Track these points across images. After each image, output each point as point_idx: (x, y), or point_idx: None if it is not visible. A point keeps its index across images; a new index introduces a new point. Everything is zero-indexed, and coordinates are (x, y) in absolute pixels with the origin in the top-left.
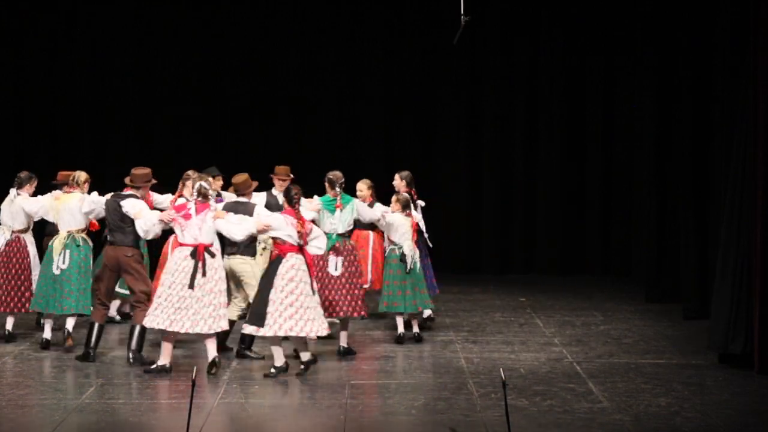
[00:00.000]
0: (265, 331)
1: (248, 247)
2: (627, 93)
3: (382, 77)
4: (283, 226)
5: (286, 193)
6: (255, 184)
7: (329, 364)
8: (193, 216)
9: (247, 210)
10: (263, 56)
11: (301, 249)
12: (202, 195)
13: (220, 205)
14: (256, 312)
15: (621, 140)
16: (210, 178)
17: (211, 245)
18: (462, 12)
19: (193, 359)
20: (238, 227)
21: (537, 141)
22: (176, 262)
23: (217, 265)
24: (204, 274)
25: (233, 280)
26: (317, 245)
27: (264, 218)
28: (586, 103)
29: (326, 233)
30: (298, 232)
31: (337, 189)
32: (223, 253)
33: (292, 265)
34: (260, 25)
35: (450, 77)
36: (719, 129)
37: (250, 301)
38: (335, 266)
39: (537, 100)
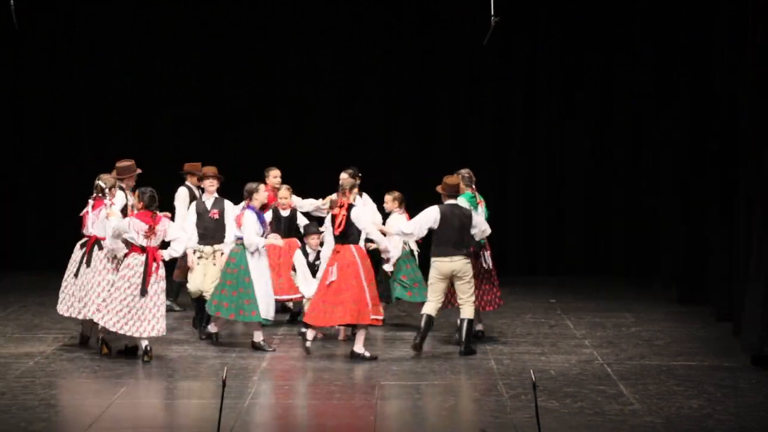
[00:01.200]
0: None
1: None
2: (653, 90)
3: (381, 77)
4: (127, 229)
5: (141, 196)
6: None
7: (359, 365)
8: (89, 211)
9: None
10: (262, 56)
11: (144, 250)
12: (100, 191)
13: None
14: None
15: (648, 138)
16: (107, 176)
17: (104, 239)
18: (492, 13)
19: (224, 359)
20: (108, 227)
21: (562, 140)
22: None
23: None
24: (88, 264)
25: None
26: (174, 248)
27: (113, 221)
28: (609, 101)
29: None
30: (145, 234)
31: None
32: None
33: (128, 264)
34: (259, 25)
35: (449, 77)
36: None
37: None
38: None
39: (565, 98)
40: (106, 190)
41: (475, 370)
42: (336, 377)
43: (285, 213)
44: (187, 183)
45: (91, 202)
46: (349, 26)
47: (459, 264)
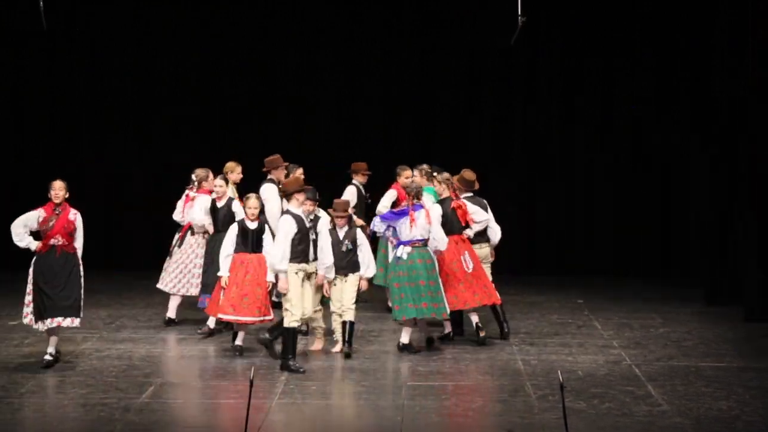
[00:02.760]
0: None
1: None
2: (684, 90)
3: (381, 77)
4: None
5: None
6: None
7: (387, 365)
8: (185, 201)
9: None
10: (262, 56)
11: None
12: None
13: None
14: None
15: (678, 137)
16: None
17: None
18: (519, 13)
19: (251, 360)
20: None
21: (592, 140)
22: None
23: None
24: (180, 246)
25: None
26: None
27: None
28: (640, 100)
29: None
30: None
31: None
32: None
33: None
34: (259, 25)
35: (449, 77)
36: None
37: None
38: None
39: (596, 97)
40: (195, 183)
41: (503, 370)
42: (363, 378)
43: (252, 225)
44: (354, 181)
45: (188, 193)
46: (348, 26)
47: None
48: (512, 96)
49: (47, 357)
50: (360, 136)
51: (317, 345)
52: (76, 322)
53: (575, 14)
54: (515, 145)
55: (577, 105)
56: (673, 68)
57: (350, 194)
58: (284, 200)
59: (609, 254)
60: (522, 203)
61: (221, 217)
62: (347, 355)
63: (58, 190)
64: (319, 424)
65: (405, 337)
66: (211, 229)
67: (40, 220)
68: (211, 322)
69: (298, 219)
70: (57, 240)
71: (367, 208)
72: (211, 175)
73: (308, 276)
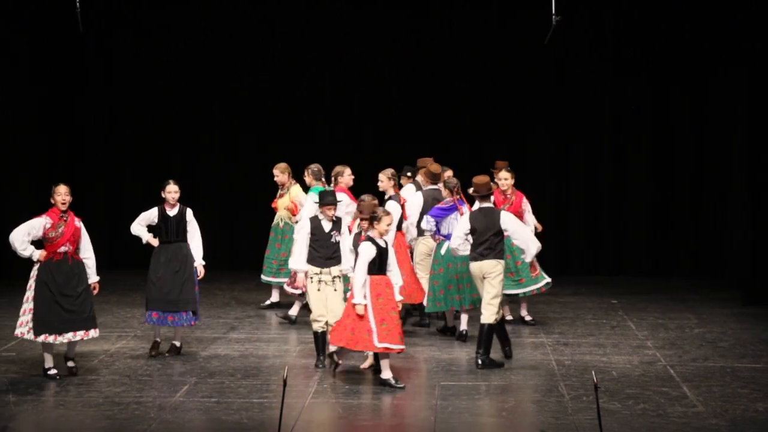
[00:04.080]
0: None
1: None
2: (719, 92)
3: (411, 78)
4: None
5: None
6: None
7: (420, 365)
8: None
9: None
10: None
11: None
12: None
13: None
14: None
15: (713, 138)
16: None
17: None
18: (554, 12)
19: (284, 359)
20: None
21: (626, 140)
22: None
23: None
24: None
25: None
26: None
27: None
28: (674, 101)
29: None
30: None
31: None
32: None
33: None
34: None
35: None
36: None
37: None
38: None
39: (626, 98)
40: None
41: (536, 370)
42: (397, 377)
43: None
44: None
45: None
46: (372, 28)
47: (488, 265)
48: (544, 94)
49: (54, 371)
50: (390, 138)
51: (367, 362)
52: (97, 332)
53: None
54: (545, 144)
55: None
56: (702, 67)
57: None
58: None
59: (644, 254)
60: (555, 203)
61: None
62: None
63: (64, 195)
64: (352, 424)
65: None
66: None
67: (47, 227)
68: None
69: (374, 243)
70: (67, 247)
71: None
72: (347, 170)
73: (333, 280)
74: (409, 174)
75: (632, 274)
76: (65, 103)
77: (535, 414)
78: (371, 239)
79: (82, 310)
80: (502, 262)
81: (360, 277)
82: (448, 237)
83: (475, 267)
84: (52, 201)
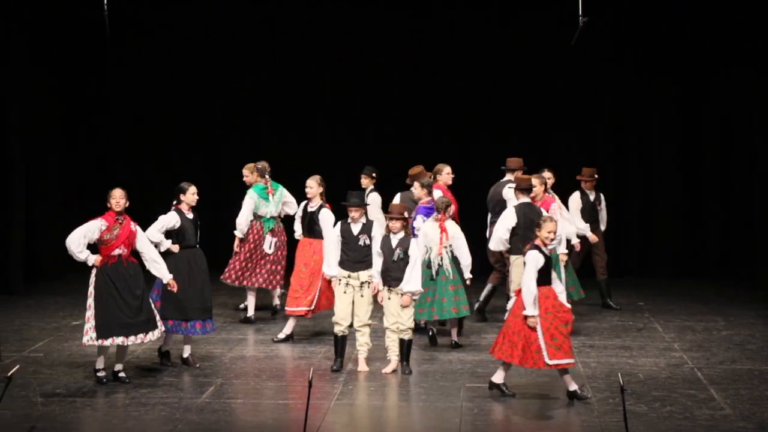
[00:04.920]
0: None
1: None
2: (745, 92)
3: (437, 79)
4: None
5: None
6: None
7: (444, 367)
8: None
9: None
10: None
11: None
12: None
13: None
14: None
15: (741, 138)
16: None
17: None
18: (581, 13)
19: (310, 360)
20: None
21: (653, 139)
22: None
23: None
24: None
25: None
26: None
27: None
28: (702, 101)
29: (261, 216)
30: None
31: (267, 177)
32: None
33: None
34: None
35: (536, 79)
36: None
37: None
38: (269, 245)
39: (653, 99)
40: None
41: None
42: (422, 379)
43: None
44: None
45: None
46: (408, 24)
47: None
48: (543, 94)
49: (103, 373)
50: (418, 138)
51: (361, 366)
52: (155, 334)
53: (697, 18)
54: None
55: (694, 102)
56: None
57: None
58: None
59: (670, 255)
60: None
61: None
62: (406, 372)
63: (119, 198)
64: (377, 425)
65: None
66: None
67: (103, 229)
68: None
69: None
70: (121, 250)
71: None
72: (447, 168)
73: (361, 285)
74: (374, 174)
75: (659, 275)
76: (65, 102)
77: (562, 416)
78: (537, 247)
79: (146, 311)
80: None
81: (531, 287)
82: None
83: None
84: (108, 204)
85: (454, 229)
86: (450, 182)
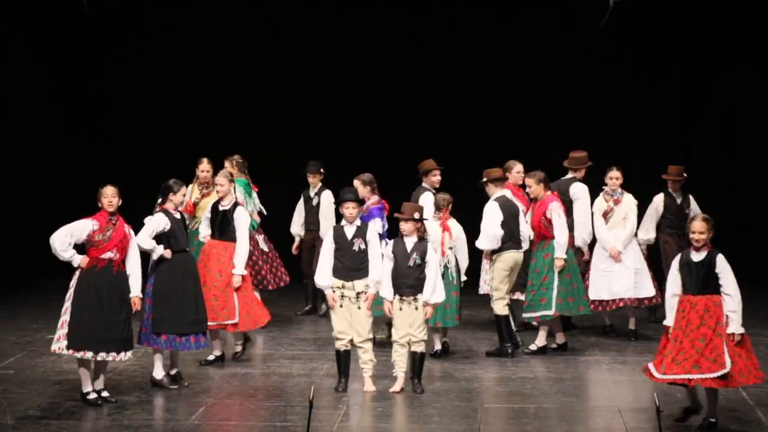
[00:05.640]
0: None
1: None
2: (745, 92)
3: (464, 63)
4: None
5: None
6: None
7: (460, 385)
8: None
9: None
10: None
11: None
12: None
13: None
14: None
15: (741, 138)
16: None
17: None
18: None
19: (311, 378)
20: None
21: (653, 139)
22: None
23: None
24: None
25: None
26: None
27: None
28: (702, 101)
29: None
30: None
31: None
32: None
33: None
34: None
35: (536, 79)
36: None
37: None
38: (263, 242)
39: (653, 99)
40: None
41: (591, 391)
42: (434, 399)
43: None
44: (425, 184)
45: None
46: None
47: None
48: (543, 94)
49: (93, 395)
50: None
51: (368, 386)
52: (128, 355)
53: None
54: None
55: (609, 103)
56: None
57: (425, 202)
58: None
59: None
60: None
61: None
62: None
63: (111, 197)
64: None
65: None
66: None
67: (94, 230)
68: None
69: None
70: (113, 254)
71: None
72: (517, 167)
73: (357, 296)
74: (322, 170)
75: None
76: (65, 102)
77: None
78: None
79: (125, 327)
80: None
81: (739, 298)
82: None
83: (518, 257)
84: (99, 204)
85: (457, 228)
86: (521, 182)
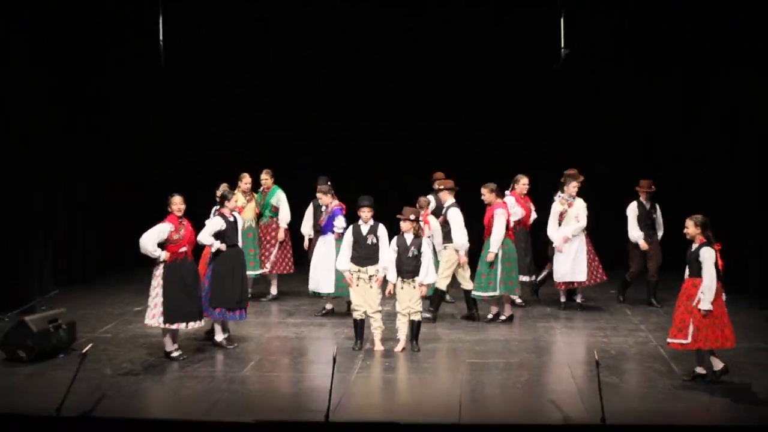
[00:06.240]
0: None
1: None
2: (745, 92)
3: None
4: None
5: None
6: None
7: (448, 345)
8: None
9: None
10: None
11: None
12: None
13: None
14: None
15: (742, 138)
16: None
17: None
18: (562, 45)
19: (335, 339)
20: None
21: (654, 139)
22: None
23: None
24: None
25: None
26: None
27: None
28: (702, 101)
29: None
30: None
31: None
32: None
33: None
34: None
35: (530, 77)
36: None
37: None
38: None
39: (653, 99)
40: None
41: (546, 350)
42: (428, 356)
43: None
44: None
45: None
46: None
47: None
48: (543, 94)
49: (176, 353)
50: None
51: (378, 346)
52: (201, 323)
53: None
54: (552, 145)
55: (608, 103)
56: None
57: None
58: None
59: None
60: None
61: None
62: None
63: (179, 204)
64: (391, 394)
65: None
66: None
67: (171, 231)
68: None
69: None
70: (186, 248)
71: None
72: (524, 180)
73: (369, 278)
74: (329, 183)
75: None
76: (65, 102)
77: (546, 386)
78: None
79: (198, 303)
80: None
81: (711, 283)
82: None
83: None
84: (169, 209)
85: (435, 222)
86: (525, 191)
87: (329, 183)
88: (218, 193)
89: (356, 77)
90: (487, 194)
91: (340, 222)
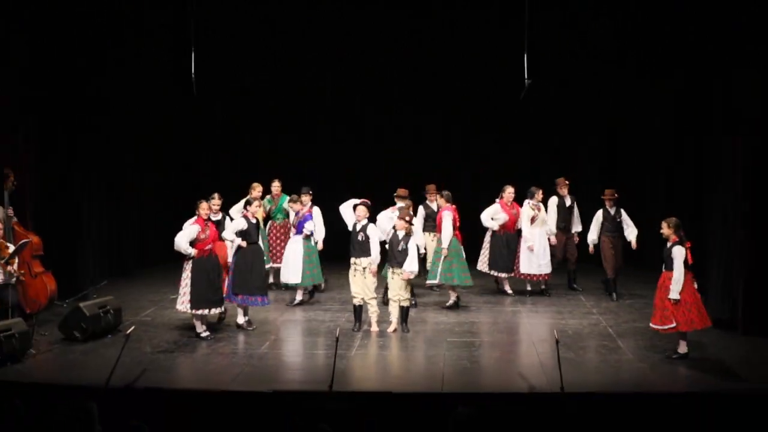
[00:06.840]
0: None
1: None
2: (747, 94)
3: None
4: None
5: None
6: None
7: (432, 327)
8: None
9: None
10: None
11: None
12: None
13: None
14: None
15: (744, 140)
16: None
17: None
18: (526, 76)
19: (337, 322)
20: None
21: (654, 140)
22: None
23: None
24: None
25: None
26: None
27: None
28: (704, 103)
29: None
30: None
31: None
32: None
33: None
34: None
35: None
36: None
37: None
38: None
39: (655, 101)
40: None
41: (514, 330)
42: (415, 335)
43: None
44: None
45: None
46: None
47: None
48: (543, 94)
49: (205, 334)
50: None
51: (374, 327)
52: (222, 308)
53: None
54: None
55: (611, 106)
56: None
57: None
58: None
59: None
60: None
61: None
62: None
63: (207, 209)
64: (385, 367)
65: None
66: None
67: (199, 231)
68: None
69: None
70: (211, 246)
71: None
72: (509, 189)
73: (363, 269)
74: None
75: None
76: (64, 102)
77: (514, 360)
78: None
79: (219, 292)
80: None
81: (679, 276)
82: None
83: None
84: (197, 212)
85: (417, 223)
86: (511, 199)
87: (310, 193)
88: (252, 193)
89: (362, 79)
90: (440, 200)
91: (309, 225)
